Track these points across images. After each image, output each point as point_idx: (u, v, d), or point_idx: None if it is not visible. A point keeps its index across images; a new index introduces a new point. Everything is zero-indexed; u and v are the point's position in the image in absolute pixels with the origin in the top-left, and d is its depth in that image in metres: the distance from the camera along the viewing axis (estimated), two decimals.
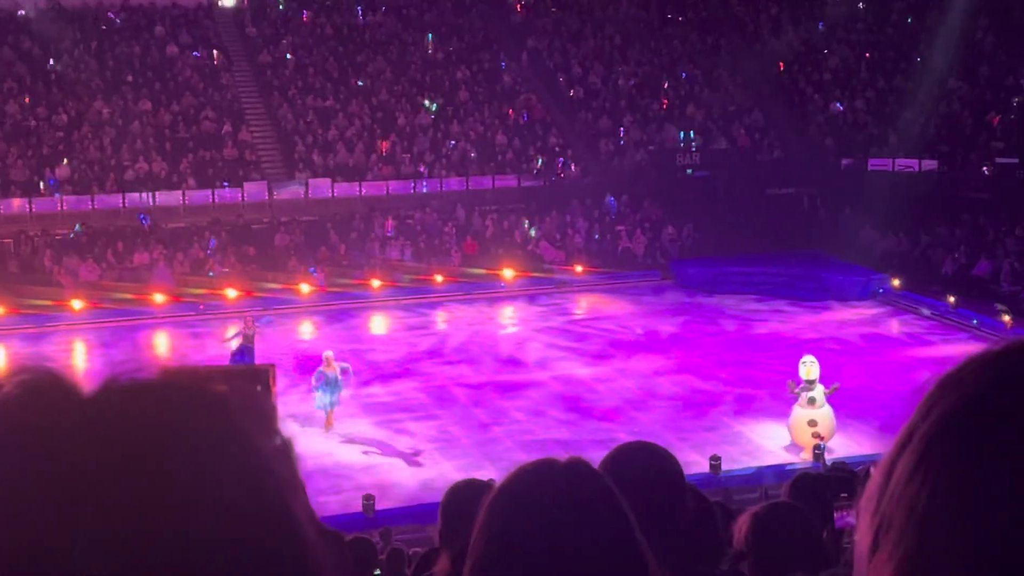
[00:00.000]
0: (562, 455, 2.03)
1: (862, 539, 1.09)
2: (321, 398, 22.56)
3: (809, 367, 20.37)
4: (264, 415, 1.11)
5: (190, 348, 29.55)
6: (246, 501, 1.01)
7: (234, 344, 24.82)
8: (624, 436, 20.59)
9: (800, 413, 20.43)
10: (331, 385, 22.43)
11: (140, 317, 31.95)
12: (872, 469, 1.17)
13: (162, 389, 1.03)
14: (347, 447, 22.08)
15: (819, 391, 20.29)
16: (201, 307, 32.82)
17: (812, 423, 20.30)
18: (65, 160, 37.52)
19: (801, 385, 20.42)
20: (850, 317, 31.58)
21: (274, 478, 1.05)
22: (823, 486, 6.66)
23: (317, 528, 1.10)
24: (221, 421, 1.04)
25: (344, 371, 22.81)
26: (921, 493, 1.03)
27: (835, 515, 6.26)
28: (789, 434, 20.98)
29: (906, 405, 1.12)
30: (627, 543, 1.92)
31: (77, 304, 31.76)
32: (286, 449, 1.09)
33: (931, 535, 1.02)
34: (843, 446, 20.54)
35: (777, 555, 4.27)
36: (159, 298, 32.60)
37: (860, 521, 1.10)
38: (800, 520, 4.56)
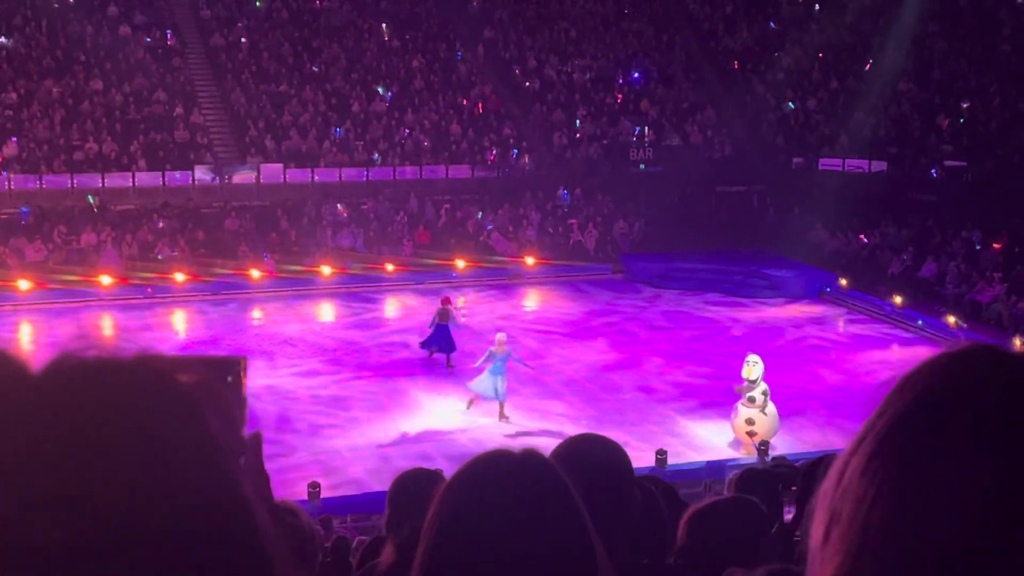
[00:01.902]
0: (515, 447, 2.06)
1: (815, 532, 1.13)
2: (482, 380, 22.34)
3: (752, 367, 20.48)
4: (219, 397, 1.13)
5: (136, 331, 29.32)
6: (193, 474, 1.03)
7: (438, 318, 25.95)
8: (572, 429, 20.69)
9: (742, 412, 20.58)
10: (496, 369, 22.17)
11: (87, 299, 31.65)
12: (813, 464, 1.23)
13: (111, 367, 1.05)
14: (296, 430, 21.99)
15: (760, 391, 20.43)
16: (149, 290, 32.55)
17: (750, 422, 20.47)
18: (13, 139, 37.02)
19: (744, 384, 20.57)
20: (797, 315, 31.86)
21: (222, 454, 1.07)
22: (770, 481, 6.73)
23: (271, 508, 1.12)
24: (168, 396, 1.06)
25: (510, 359, 22.55)
26: (868, 490, 1.08)
27: (784, 510, 6.33)
28: (732, 430, 21.13)
29: (866, 405, 1.16)
30: (578, 533, 1.95)
31: (23, 285, 31.40)
32: (253, 438, 1.11)
33: (874, 530, 1.06)
34: (785, 443, 20.71)
35: (715, 550, 4.31)
36: (106, 280, 32.30)
37: (816, 514, 1.14)
38: (742, 514, 4.60)
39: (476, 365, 23.08)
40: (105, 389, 1.03)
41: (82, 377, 1.04)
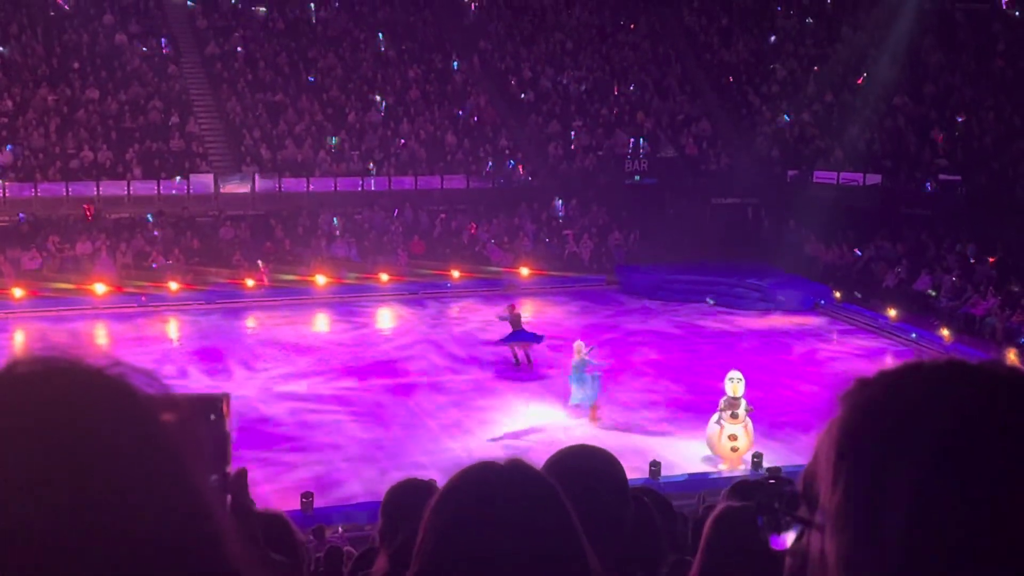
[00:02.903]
0: (502, 457, 2.07)
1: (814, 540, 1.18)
2: (575, 392, 23.32)
3: (736, 383, 20.50)
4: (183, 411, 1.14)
5: (130, 339, 29.30)
6: (140, 471, 1.05)
7: (510, 323, 26.98)
8: (565, 440, 20.68)
9: (725, 427, 20.56)
10: (579, 376, 23.06)
11: (81, 307, 31.62)
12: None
13: (63, 371, 1.09)
14: (288, 438, 21.98)
15: (742, 407, 20.47)
16: (143, 299, 32.53)
17: (733, 437, 20.49)
18: (8, 147, 37.00)
19: (725, 398, 20.58)
20: (791, 327, 31.89)
21: (178, 460, 1.09)
22: (761, 494, 6.71)
23: (255, 545, 1.14)
24: (118, 399, 1.09)
25: (588, 366, 23.24)
26: (841, 498, 1.15)
27: None
28: (708, 446, 21.05)
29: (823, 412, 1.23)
30: (570, 541, 1.95)
31: (18, 293, 31.37)
32: (239, 475, 1.13)
33: (852, 537, 1.11)
34: (779, 455, 20.73)
35: (735, 557, 4.30)
36: (100, 289, 32.27)
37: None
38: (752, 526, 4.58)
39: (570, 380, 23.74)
40: (50, 393, 1.06)
41: (32, 380, 1.07)
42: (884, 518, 1.10)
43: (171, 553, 1.05)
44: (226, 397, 1.25)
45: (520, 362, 27.00)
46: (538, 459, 2.55)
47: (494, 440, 21.99)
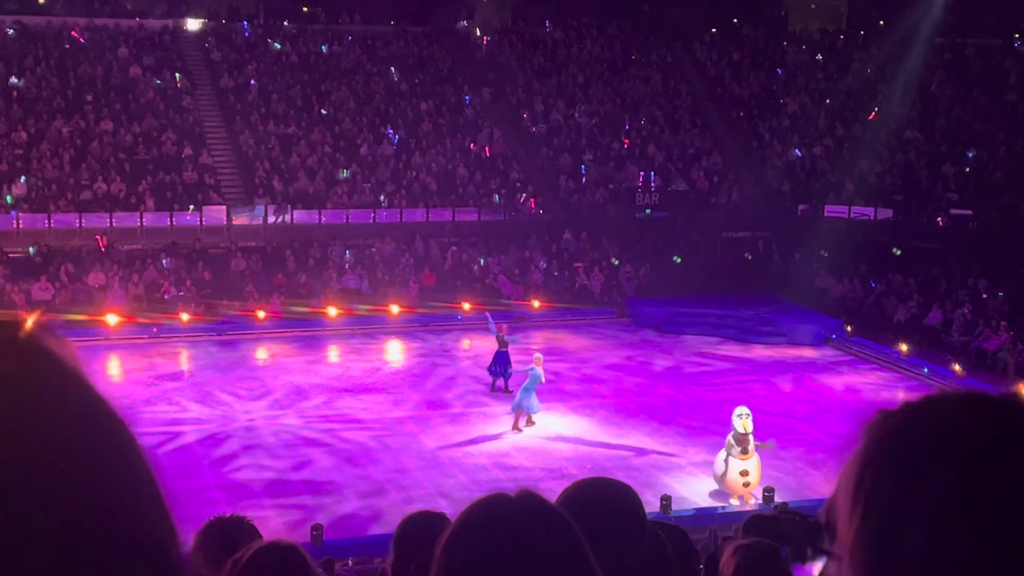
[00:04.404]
0: (512, 489, 2.06)
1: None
2: (534, 402, 24.59)
3: (746, 419, 20.41)
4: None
5: (141, 370, 29.35)
6: (79, 430, 1.11)
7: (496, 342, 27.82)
8: (576, 473, 20.64)
9: (733, 464, 20.47)
10: (533, 387, 24.36)
11: (93, 338, 31.65)
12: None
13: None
14: (295, 475, 21.96)
15: (751, 443, 20.36)
16: (154, 330, 32.60)
17: (744, 473, 20.40)
18: (23, 178, 37.19)
19: (732, 433, 20.44)
20: (803, 361, 31.79)
21: (107, 410, 1.15)
22: (776, 527, 6.69)
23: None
24: (51, 368, 1.16)
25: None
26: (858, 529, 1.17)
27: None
28: (716, 480, 20.92)
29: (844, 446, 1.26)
30: (583, 572, 1.95)
31: (29, 323, 31.41)
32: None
33: (868, 568, 1.14)
34: (788, 490, 20.65)
35: None
36: (112, 320, 32.34)
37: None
38: (776, 559, 4.59)
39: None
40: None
41: None
42: (900, 548, 1.12)
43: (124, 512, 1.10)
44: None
45: (497, 389, 27.62)
46: (545, 487, 2.55)
47: (506, 471, 21.93)
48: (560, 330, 35.02)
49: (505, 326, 29.22)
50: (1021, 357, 29.15)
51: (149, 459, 1.16)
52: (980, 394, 1.22)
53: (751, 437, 20.35)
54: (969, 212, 37.07)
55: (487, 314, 29.56)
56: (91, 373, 1.21)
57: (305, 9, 49.39)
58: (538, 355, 25.16)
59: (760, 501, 20.23)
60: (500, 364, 27.59)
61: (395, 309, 34.74)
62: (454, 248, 38.22)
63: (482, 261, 37.90)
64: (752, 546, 4.56)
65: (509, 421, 24.62)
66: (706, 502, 20.77)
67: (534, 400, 24.45)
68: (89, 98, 40.89)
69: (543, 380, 24.64)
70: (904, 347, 31.17)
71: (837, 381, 29.93)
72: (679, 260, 38.67)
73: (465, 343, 33.32)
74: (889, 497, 1.16)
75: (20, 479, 1.05)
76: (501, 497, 2.03)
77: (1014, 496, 1.10)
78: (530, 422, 24.68)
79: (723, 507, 20.19)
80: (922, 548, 1.11)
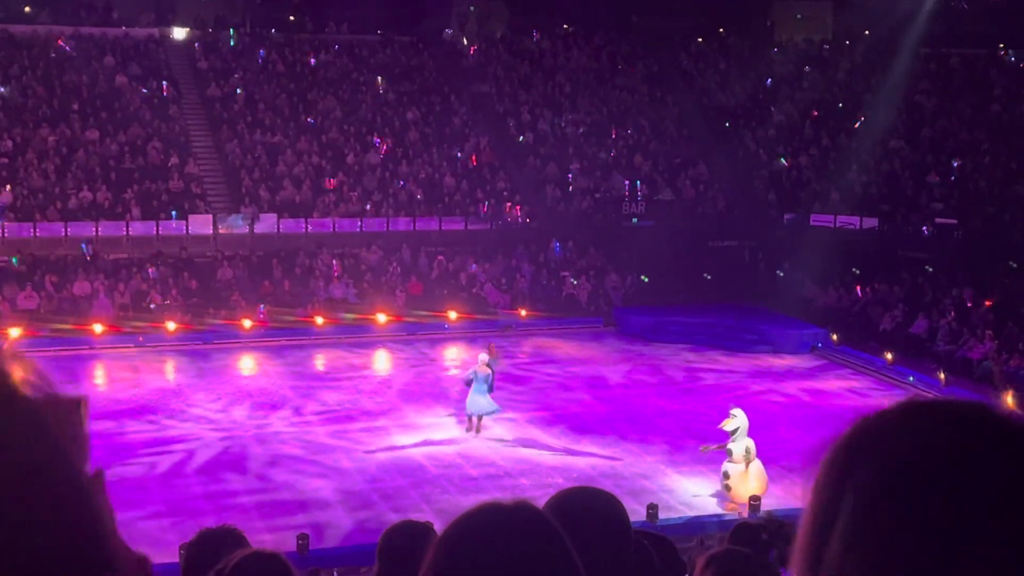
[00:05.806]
0: (506, 498, 2.05)
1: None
2: (489, 403, 24.44)
3: (730, 419, 20.43)
4: (62, 409, 1.20)
5: (127, 379, 29.26)
6: (22, 456, 1.12)
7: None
8: (562, 482, 20.63)
9: (724, 465, 20.53)
10: (486, 387, 24.18)
11: (78, 347, 31.57)
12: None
13: None
14: (282, 485, 21.91)
15: (741, 445, 20.36)
16: (140, 339, 32.51)
17: (725, 475, 20.47)
18: (8, 187, 37.07)
19: (726, 441, 20.48)
20: (788, 370, 31.85)
21: (54, 441, 1.16)
22: (763, 535, 6.70)
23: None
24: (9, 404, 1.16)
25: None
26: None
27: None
28: (731, 490, 20.86)
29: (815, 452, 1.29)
30: None
31: (14, 333, 31.32)
32: (98, 475, 1.19)
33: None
34: (774, 498, 20.65)
35: None
36: (98, 329, 32.25)
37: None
38: (753, 567, 4.59)
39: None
40: None
41: None
42: (882, 548, 1.15)
43: (54, 533, 1.11)
44: (85, 399, 1.29)
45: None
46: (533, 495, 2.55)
47: (492, 480, 21.92)
48: (547, 339, 35.02)
49: (494, 345, 27.44)
50: (1006, 366, 29.24)
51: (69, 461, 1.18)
52: (933, 401, 1.25)
53: (742, 439, 20.30)
54: (954, 221, 37.19)
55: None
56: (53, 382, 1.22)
57: (292, 18, 49.36)
58: (482, 355, 24.76)
59: (741, 508, 20.21)
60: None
61: (382, 318, 34.73)
62: (441, 257, 38.21)
63: (474, 267, 37.89)
64: (724, 555, 4.56)
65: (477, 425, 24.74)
66: (692, 510, 20.78)
67: (484, 401, 24.23)
68: (75, 107, 40.79)
69: (491, 377, 24.31)
70: (889, 356, 31.26)
71: (823, 389, 29.98)
72: (646, 279, 38.54)
73: (452, 351, 33.31)
74: (858, 501, 1.19)
75: None
76: (493, 505, 2.02)
77: (923, 501, 1.15)
78: (473, 424, 24.64)
79: (711, 516, 20.19)
80: (899, 551, 1.15)
